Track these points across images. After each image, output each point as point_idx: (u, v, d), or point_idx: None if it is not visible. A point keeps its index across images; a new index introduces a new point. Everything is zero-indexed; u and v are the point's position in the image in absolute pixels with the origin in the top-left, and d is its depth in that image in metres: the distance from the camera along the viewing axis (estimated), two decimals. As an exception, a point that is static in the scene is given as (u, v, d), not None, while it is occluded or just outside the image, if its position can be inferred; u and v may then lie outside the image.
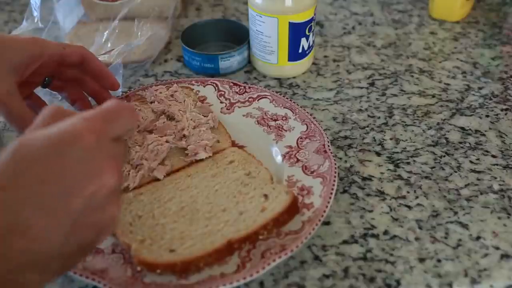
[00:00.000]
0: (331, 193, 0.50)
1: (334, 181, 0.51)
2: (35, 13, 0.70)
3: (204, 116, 0.60)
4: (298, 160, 0.55)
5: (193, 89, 0.64)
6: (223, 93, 0.64)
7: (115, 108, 0.38)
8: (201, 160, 0.55)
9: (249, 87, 0.64)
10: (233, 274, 0.44)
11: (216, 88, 0.64)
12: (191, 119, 0.59)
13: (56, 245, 0.33)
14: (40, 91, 0.58)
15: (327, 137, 0.57)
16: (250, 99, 0.63)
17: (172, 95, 0.61)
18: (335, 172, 0.52)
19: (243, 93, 0.64)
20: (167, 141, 0.56)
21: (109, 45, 0.69)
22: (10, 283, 0.31)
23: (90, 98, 0.60)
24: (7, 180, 0.32)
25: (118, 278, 0.44)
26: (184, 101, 0.61)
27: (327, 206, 0.49)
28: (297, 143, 0.57)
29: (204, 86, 0.65)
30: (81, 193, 0.33)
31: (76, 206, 0.33)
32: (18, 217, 0.31)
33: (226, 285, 0.43)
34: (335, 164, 0.53)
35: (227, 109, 0.62)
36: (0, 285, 0.31)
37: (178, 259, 0.44)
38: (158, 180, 0.53)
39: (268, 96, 0.63)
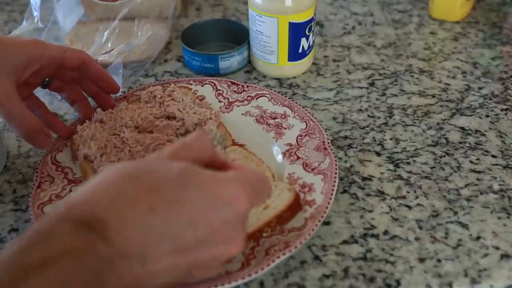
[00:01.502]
0: (333, 190, 0.50)
1: (335, 177, 0.52)
2: (35, 13, 0.70)
3: (208, 109, 0.60)
4: (298, 158, 0.55)
5: (191, 88, 0.64)
6: (221, 92, 0.64)
7: (262, 179, 0.38)
8: None
9: (247, 86, 0.64)
10: (238, 272, 0.44)
11: (214, 87, 0.64)
12: (193, 113, 0.58)
13: (165, 282, 0.32)
14: (40, 91, 0.58)
15: (327, 134, 0.57)
16: (248, 98, 0.63)
17: (170, 95, 0.61)
18: (336, 169, 0.52)
19: (242, 92, 0.64)
20: (168, 141, 0.56)
21: (109, 45, 0.69)
22: None
23: (90, 99, 0.60)
24: (168, 204, 0.32)
25: None
26: (182, 100, 0.61)
27: (329, 203, 0.49)
28: (296, 140, 0.57)
29: (202, 86, 0.65)
30: (212, 249, 0.33)
31: (200, 257, 0.33)
32: (149, 244, 0.31)
33: (231, 283, 0.43)
34: (336, 160, 0.53)
35: (225, 108, 0.62)
36: None
37: None
38: None
39: (266, 95, 0.63)
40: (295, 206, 0.49)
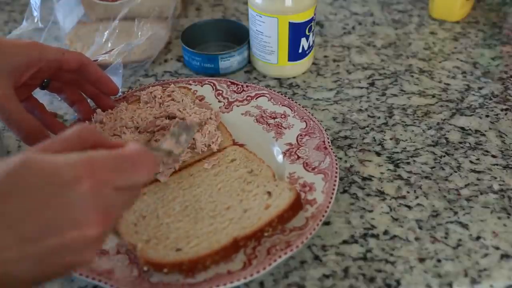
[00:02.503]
0: (333, 189, 0.51)
1: (336, 177, 0.52)
2: (35, 13, 0.70)
3: (207, 109, 0.60)
4: (298, 157, 0.55)
5: (191, 89, 0.64)
6: (221, 92, 0.64)
7: (131, 158, 0.37)
8: (203, 158, 0.55)
9: (247, 86, 0.64)
10: (239, 271, 0.44)
11: (214, 87, 0.64)
12: (193, 113, 0.58)
13: (21, 272, 0.33)
14: (39, 91, 0.58)
15: (327, 134, 0.57)
16: (248, 98, 0.63)
17: (169, 95, 0.61)
18: (336, 168, 0.52)
19: (241, 91, 0.64)
20: None
21: (109, 45, 0.69)
22: None
23: (89, 100, 0.60)
24: (3, 197, 0.32)
25: (125, 279, 0.44)
26: (182, 100, 0.61)
27: (330, 202, 0.49)
28: (297, 140, 0.57)
29: (201, 86, 0.65)
30: (60, 235, 0.33)
31: (51, 244, 0.33)
32: None
33: (234, 282, 0.44)
34: (336, 160, 0.53)
35: (225, 108, 0.62)
36: None
37: (185, 258, 0.45)
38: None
39: (266, 94, 0.63)
40: (296, 205, 0.49)
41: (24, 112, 0.50)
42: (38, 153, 0.34)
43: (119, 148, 0.38)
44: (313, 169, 0.54)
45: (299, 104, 0.61)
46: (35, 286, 0.35)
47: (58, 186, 0.33)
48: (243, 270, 0.45)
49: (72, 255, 0.34)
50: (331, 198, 0.50)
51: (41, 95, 0.58)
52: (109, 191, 0.35)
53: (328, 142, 0.56)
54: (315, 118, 0.59)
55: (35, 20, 0.70)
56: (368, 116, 0.64)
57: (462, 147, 0.60)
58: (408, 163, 0.57)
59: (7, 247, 0.32)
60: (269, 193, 0.50)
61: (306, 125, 0.58)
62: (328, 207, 0.49)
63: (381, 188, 0.55)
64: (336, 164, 0.53)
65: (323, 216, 0.48)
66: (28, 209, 0.32)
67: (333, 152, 0.54)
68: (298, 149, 0.56)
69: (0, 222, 0.32)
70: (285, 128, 0.59)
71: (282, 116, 0.60)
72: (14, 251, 0.32)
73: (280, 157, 0.56)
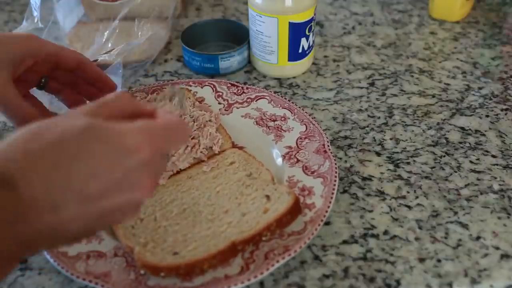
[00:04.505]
0: (332, 193, 0.50)
1: (335, 181, 0.51)
2: (35, 13, 0.70)
3: (207, 112, 0.60)
4: (298, 161, 0.55)
5: (191, 90, 0.64)
6: (221, 94, 0.64)
7: (175, 125, 0.40)
8: (202, 161, 0.55)
9: (247, 88, 0.64)
10: (237, 276, 0.44)
11: (214, 89, 0.64)
12: (192, 119, 0.58)
13: (75, 229, 0.35)
14: (38, 92, 0.58)
15: (327, 137, 0.57)
16: (248, 100, 0.63)
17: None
18: (336, 172, 0.52)
19: (241, 93, 0.64)
20: None
21: (109, 45, 0.69)
22: (23, 245, 0.34)
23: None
24: (70, 158, 0.34)
25: (122, 282, 0.44)
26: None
27: (328, 206, 0.49)
28: (296, 143, 0.57)
29: (201, 87, 0.65)
30: (118, 197, 0.36)
31: (107, 205, 0.35)
32: (55, 194, 0.34)
33: (231, 287, 0.43)
34: (336, 164, 0.53)
35: (225, 110, 0.62)
36: (15, 245, 0.33)
37: (182, 261, 0.45)
38: None
39: (266, 97, 0.63)
40: (295, 209, 0.49)
41: (22, 100, 0.51)
42: (93, 118, 0.36)
43: (163, 116, 0.40)
44: (313, 172, 0.53)
45: (299, 107, 0.61)
46: (77, 241, 0.38)
47: (121, 153, 0.36)
48: (241, 274, 0.44)
49: (122, 215, 0.37)
50: (330, 202, 0.50)
51: (39, 94, 0.58)
52: (158, 159, 0.39)
53: (328, 146, 0.55)
54: (315, 121, 0.59)
55: (35, 20, 0.70)
56: (368, 116, 0.64)
57: (462, 147, 0.60)
58: (408, 163, 0.57)
59: (69, 206, 0.34)
60: (267, 196, 0.50)
61: (306, 128, 0.58)
62: (327, 211, 0.49)
63: (381, 188, 0.55)
64: (336, 168, 0.53)
65: (322, 220, 0.48)
66: (92, 172, 0.35)
67: (333, 156, 0.54)
68: (297, 152, 0.56)
69: (64, 182, 0.34)
70: (285, 131, 0.59)
71: (282, 118, 0.60)
72: (75, 210, 0.34)
73: (279, 160, 0.56)
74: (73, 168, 0.34)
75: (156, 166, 0.39)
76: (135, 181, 0.36)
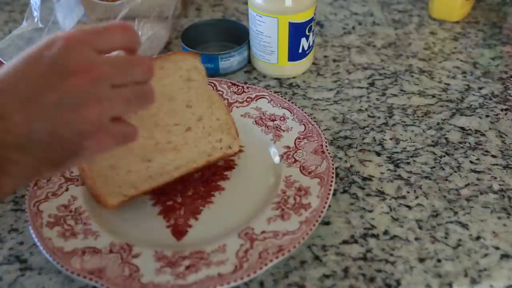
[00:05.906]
0: (329, 194, 0.50)
1: (332, 182, 0.51)
2: (35, 13, 0.70)
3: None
4: (295, 161, 0.55)
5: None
6: (221, 93, 0.64)
7: (108, 25, 0.40)
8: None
9: (247, 87, 0.64)
10: (230, 274, 0.44)
11: (214, 88, 0.64)
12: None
13: (34, 132, 0.37)
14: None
15: (325, 138, 0.57)
16: (248, 99, 0.63)
17: None
18: (333, 173, 0.52)
19: (241, 93, 0.64)
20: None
21: (109, 45, 0.69)
22: None
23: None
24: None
25: (116, 278, 0.44)
26: None
27: (324, 207, 0.49)
28: (295, 143, 0.57)
29: None
30: (53, 89, 0.37)
31: (49, 100, 0.37)
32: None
33: (224, 285, 0.44)
34: (333, 164, 0.53)
35: None
36: None
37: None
38: None
39: (266, 96, 0.63)
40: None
41: None
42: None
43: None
44: (310, 173, 0.53)
45: (298, 107, 0.61)
46: (55, 169, 0.40)
47: (41, 51, 0.37)
48: (234, 273, 0.45)
49: (70, 112, 0.37)
50: (326, 203, 0.50)
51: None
52: (89, 49, 0.39)
53: (326, 146, 0.55)
54: (314, 121, 0.59)
55: (35, 20, 0.70)
56: (368, 116, 0.64)
57: (462, 147, 0.60)
58: (408, 163, 0.57)
59: (11, 109, 0.36)
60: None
61: (305, 128, 0.58)
62: (322, 212, 0.49)
63: (381, 188, 0.55)
64: (333, 169, 0.53)
65: (317, 221, 0.48)
66: (23, 76, 0.37)
67: (331, 157, 0.54)
68: (295, 152, 0.56)
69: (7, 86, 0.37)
70: (284, 131, 0.59)
71: (281, 118, 0.60)
72: (18, 114, 0.36)
73: (277, 159, 0.56)
74: (17, 73, 0.37)
75: (89, 55, 0.38)
76: (63, 67, 0.37)
